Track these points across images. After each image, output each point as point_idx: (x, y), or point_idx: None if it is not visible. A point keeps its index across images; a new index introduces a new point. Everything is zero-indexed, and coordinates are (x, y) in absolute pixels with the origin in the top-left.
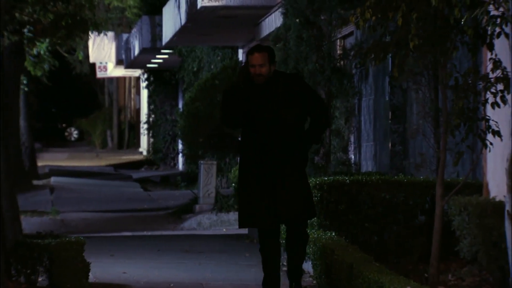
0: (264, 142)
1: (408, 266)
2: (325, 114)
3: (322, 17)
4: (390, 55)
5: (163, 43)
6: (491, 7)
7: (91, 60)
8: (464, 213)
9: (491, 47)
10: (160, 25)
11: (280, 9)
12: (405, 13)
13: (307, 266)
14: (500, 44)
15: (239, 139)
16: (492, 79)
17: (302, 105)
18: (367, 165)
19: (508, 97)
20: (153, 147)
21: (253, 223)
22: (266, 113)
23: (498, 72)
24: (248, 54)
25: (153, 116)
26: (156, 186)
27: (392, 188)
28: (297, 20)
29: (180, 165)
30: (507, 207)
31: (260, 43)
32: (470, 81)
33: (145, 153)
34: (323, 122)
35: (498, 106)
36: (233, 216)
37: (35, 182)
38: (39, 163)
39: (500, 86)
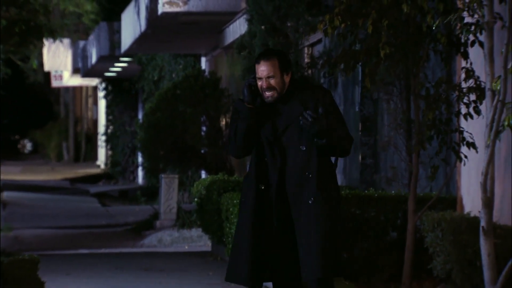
0: (278, 175)
1: (379, 284)
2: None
3: (289, 24)
4: (360, 64)
5: (122, 50)
6: (465, 13)
7: (46, 68)
8: (438, 229)
9: (465, 56)
10: (119, 32)
11: (244, 16)
12: (376, 20)
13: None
14: (474, 52)
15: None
16: (464, 89)
17: None
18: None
19: (482, 107)
20: (112, 160)
21: (259, 278)
22: (280, 140)
23: (471, 82)
24: (254, 62)
25: (111, 127)
26: (115, 201)
27: (362, 203)
28: (263, 27)
29: (140, 179)
30: (482, 223)
31: (270, 47)
32: (442, 91)
33: (103, 166)
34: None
35: (471, 117)
36: (196, 232)
37: None
38: None
39: (473, 96)
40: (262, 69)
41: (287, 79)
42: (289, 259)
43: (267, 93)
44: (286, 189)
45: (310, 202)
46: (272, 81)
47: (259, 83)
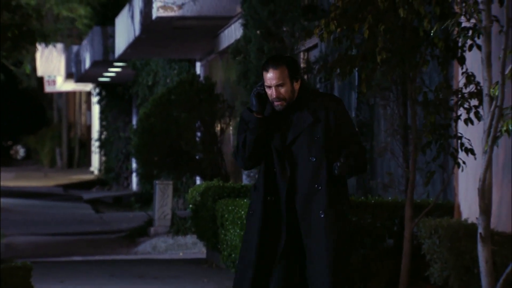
0: (287, 186)
1: None
2: (361, 153)
3: (284, 29)
4: (356, 69)
5: (116, 55)
6: (462, 18)
7: (39, 73)
8: (435, 236)
9: (462, 61)
10: (113, 37)
11: (239, 20)
12: (372, 25)
13: None
14: (471, 57)
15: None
16: (465, 94)
17: (333, 139)
18: None
19: (481, 113)
20: (105, 166)
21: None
22: (289, 150)
23: (472, 87)
24: (262, 69)
25: (105, 133)
26: (109, 207)
27: (359, 209)
28: (258, 32)
29: (134, 185)
30: (480, 230)
31: (278, 54)
32: (441, 96)
33: (96, 172)
34: (358, 155)
35: (472, 122)
36: (190, 239)
37: None
38: None
39: (474, 102)
40: (271, 77)
41: (296, 86)
42: (296, 271)
43: (277, 102)
44: (295, 200)
45: (320, 216)
46: (282, 90)
47: (269, 91)
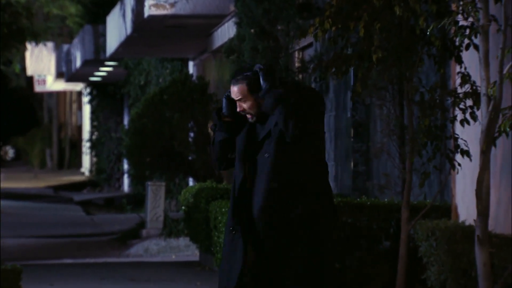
0: (258, 192)
1: None
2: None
3: (279, 27)
4: (352, 68)
5: (107, 54)
6: (459, 16)
7: (29, 72)
8: (432, 238)
9: (459, 60)
10: (104, 35)
11: (233, 19)
12: (368, 24)
13: None
14: (469, 56)
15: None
16: (460, 94)
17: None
18: None
19: (478, 113)
20: (96, 167)
21: None
22: (258, 154)
23: (467, 87)
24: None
25: (96, 133)
26: (100, 209)
27: (355, 211)
28: (252, 31)
29: (126, 187)
30: (478, 232)
31: (241, 69)
32: (437, 97)
33: (87, 173)
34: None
35: (468, 123)
36: (183, 241)
37: None
38: None
39: (469, 102)
40: (232, 91)
41: (262, 100)
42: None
43: (247, 115)
44: (265, 208)
45: (299, 223)
46: (244, 105)
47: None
